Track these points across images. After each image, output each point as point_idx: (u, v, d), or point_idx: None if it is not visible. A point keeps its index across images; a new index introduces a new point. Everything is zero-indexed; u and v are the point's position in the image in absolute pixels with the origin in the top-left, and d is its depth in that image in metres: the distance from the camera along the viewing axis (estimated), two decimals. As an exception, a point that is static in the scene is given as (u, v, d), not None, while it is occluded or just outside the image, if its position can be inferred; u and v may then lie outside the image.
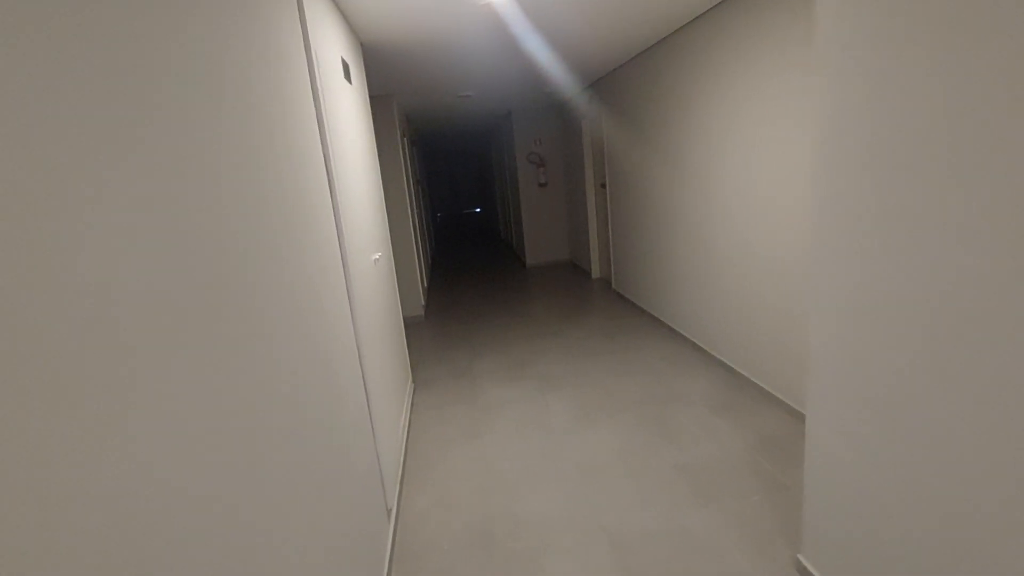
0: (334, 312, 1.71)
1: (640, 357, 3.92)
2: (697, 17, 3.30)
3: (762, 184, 2.91)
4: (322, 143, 1.83)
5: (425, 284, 6.37)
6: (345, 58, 2.49)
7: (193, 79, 0.88)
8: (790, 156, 2.65)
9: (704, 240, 3.62)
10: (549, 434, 2.95)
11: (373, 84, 4.43)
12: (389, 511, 2.25)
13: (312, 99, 1.78)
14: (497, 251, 9.84)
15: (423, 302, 5.58)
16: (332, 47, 2.21)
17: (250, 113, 1.13)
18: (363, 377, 2.05)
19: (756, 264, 3.06)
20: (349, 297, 1.96)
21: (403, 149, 5.56)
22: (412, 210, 5.72)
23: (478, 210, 19.25)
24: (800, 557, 1.84)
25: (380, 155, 5.00)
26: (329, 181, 1.86)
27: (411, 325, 5.32)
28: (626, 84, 4.64)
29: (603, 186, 5.95)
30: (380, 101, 4.96)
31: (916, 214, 1.21)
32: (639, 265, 4.94)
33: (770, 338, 3.02)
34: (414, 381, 3.83)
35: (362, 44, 3.17)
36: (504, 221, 10.49)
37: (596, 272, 6.66)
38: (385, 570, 1.97)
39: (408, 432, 3.08)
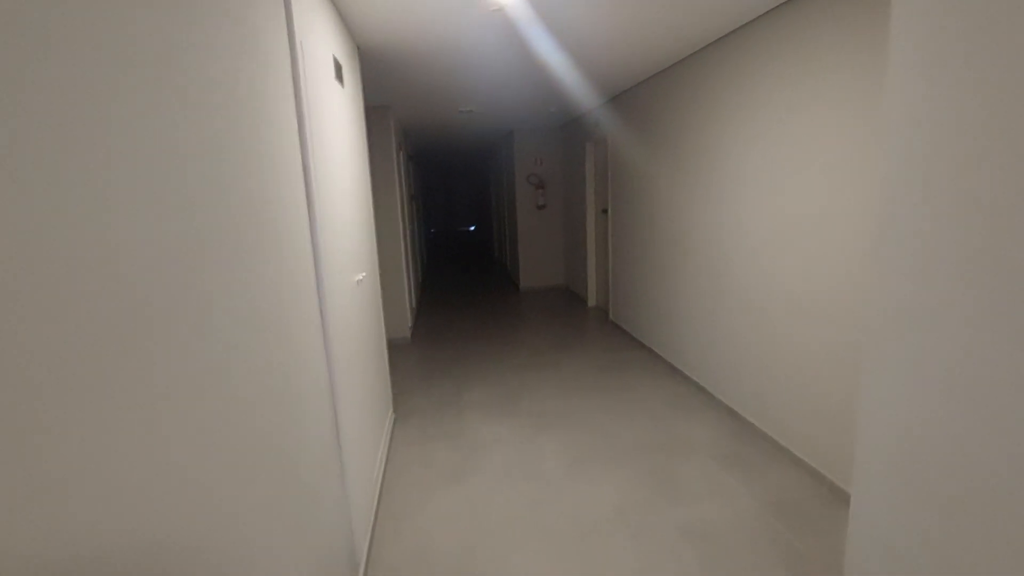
0: (304, 340, 1.45)
1: (639, 396, 3.65)
2: (725, 36, 3.13)
3: (793, 214, 2.70)
4: (302, 148, 1.58)
5: (414, 304, 6.10)
6: (338, 57, 2.27)
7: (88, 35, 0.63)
8: (830, 184, 2.45)
9: (717, 275, 3.40)
10: (541, 482, 2.66)
11: (370, 93, 4.22)
12: (357, 565, 1.95)
13: (293, 96, 1.53)
14: (490, 272, 9.60)
15: (410, 323, 5.30)
16: (322, 42, 1.98)
17: (197, 104, 0.88)
18: (335, 412, 1.77)
19: (777, 303, 2.83)
20: (323, 322, 1.69)
21: (399, 163, 5.34)
22: (404, 227, 5.48)
23: (473, 228, 19.06)
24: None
25: (373, 168, 4.77)
26: (308, 192, 1.61)
27: (396, 347, 5.03)
28: (638, 105, 4.47)
29: (605, 212, 5.75)
30: (377, 112, 4.74)
31: None
32: (640, 297, 4.71)
33: (787, 386, 2.78)
34: (395, 412, 3.53)
35: (359, 48, 2.95)
36: (499, 241, 10.28)
37: (592, 300, 6.43)
38: (345, 652, 1.67)
39: (384, 472, 2.78)
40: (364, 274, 2.46)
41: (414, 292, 6.34)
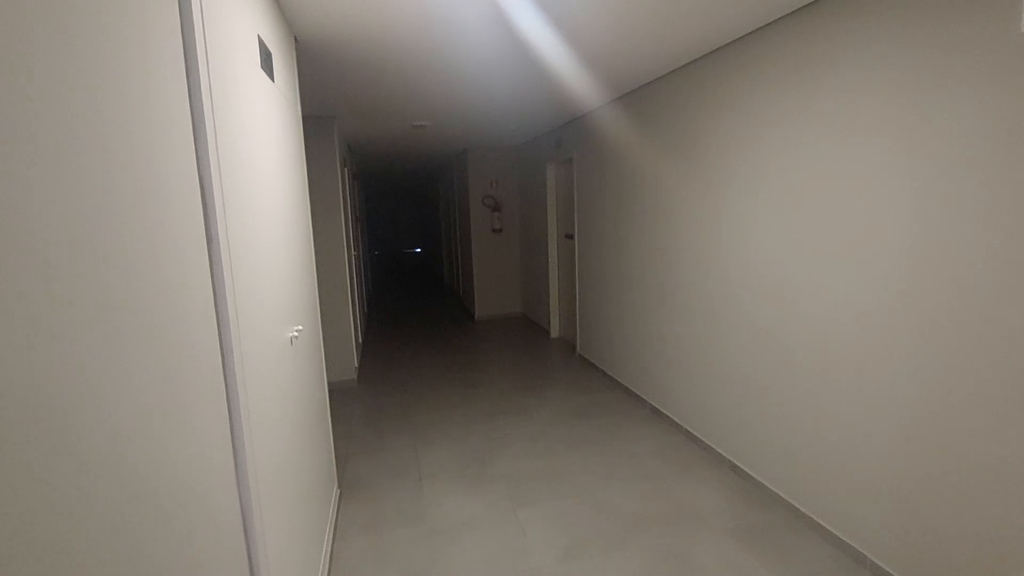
0: (202, 443, 0.87)
1: (627, 450, 3.19)
2: (722, 47, 2.79)
3: (817, 245, 2.33)
4: (199, 159, 1.02)
5: (360, 339, 5.43)
6: (266, 41, 1.70)
7: None
8: (866, 217, 2.09)
9: (714, 311, 3.01)
10: (530, 582, 2.12)
11: (311, 100, 3.63)
12: None
13: (185, 80, 0.98)
14: (441, 298, 9.01)
15: (356, 363, 4.64)
16: (242, 16, 1.42)
17: None
18: (247, 543, 1.18)
19: (800, 345, 2.45)
20: (232, 407, 1.11)
21: (343, 181, 4.73)
22: (349, 253, 4.84)
23: (419, 250, 18.38)
24: None
25: (314, 187, 4.15)
26: (209, 224, 1.04)
27: (341, 393, 4.36)
28: (612, 123, 4.10)
29: (570, 237, 5.35)
30: (319, 123, 4.14)
31: None
32: (614, 331, 4.29)
33: (813, 448, 2.38)
34: (340, 485, 2.89)
35: (297, 39, 2.38)
36: (449, 265, 9.72)
37: (556, 331, 5.98)
38: None
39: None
40: (301, 327, 1.87)
41: (360, 325, 5.67)
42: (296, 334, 1.78)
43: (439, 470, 3.03)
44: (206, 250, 1.03)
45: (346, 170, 5.04)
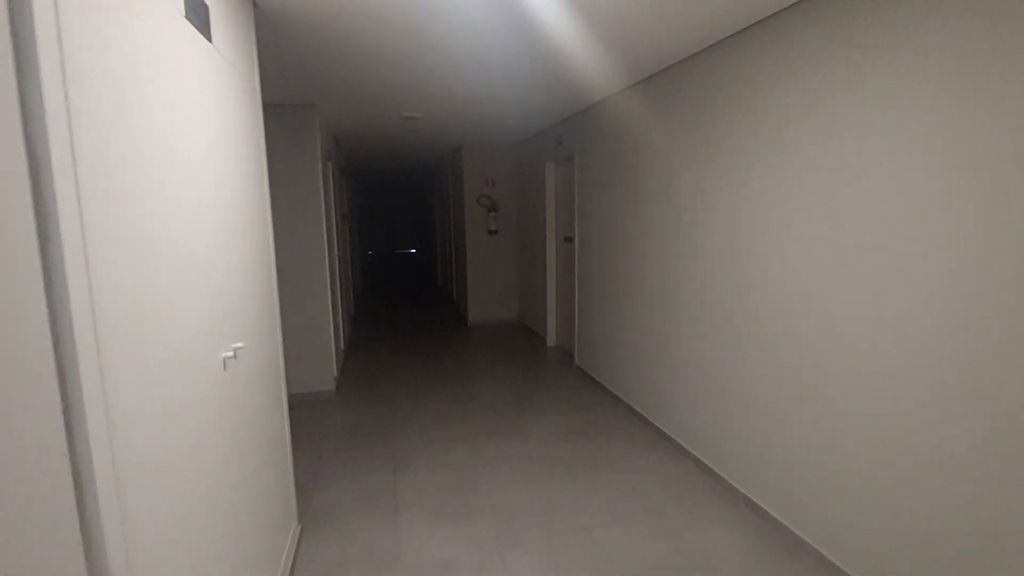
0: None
1: (629, 479, 2.86)
2: (750, 26, 2.46)
3: (854, 252, 2.00)
4: (28, 123, 0.68)
5: (343, 346, 5.08)
6: (198, -10, 1.37)
7: None
8: (914, 224, 1.76)
9: (732, 326, 2.68)
10: (517, 650, 1.78)
11: (288, 85, 3.29)
12: None
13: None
14: (434, 302, 8.66)
15: (336, 372, 4.30)
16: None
17: None
18: None
19: (829, 370, 2.12)
20: (80, 464, 0.78)
21: (327, 177, 4.39)
22: (333, 254, 4.50)
23: (413, 251, 18.03)
24: None
25: (293, 183, 3.81)
26: (42, 215, 0.71)
27: (316, 405, 4.01)
28: (619, 117, 3.77)
29: (569, 240, 5.02)
30: (298, 112, 3.81)
31: None
32: (615, 342, 3.96)
33: (842, 488, 2.05)
34: (302, 519, 2.54)
35: (255, 2, 2.05)
36: (443, 267, 9.38)
37: (552, 339, 5.65)
38: None
39: (277, 639, 1.81)
40: (241, 344, 1.53)
41: (343, 330, 5.33)
42: (233, 354, 1.44)
43: (419, 499, 2.69)
44: (36, 253, 0.70)
45: (331, 164, 4.70)
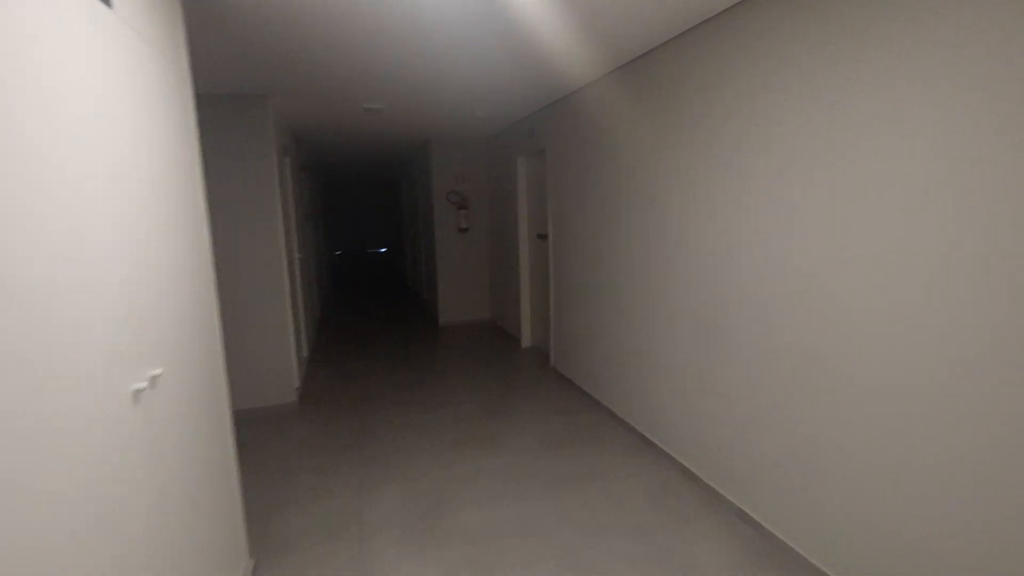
0: None
1: (613, 491, 2.69)
2: (726, 9, 2.30)
3: (848, 249, 1.86)
4: None
5: (306, 353, 4.79)
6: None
7: None
8: (924, 206, 1.62)
9: (715, 324, 2.53)
10: None
11: (233, 72, 3.00)
12: None
13: None
14: (404, 302, 8.38)
15: (297, 383, 4.02)
16: None
17: None
18: None
19: (821, 371, 1.98)
20: None
21: (284, 174, 4.10)
22: (293, 255, 4.22)
23: (384, 250, 17.62)
24: None
25: (245, 180, 3.52)
26: None
27: (274, 420, 3.73)
28: (593, 107, 3.59)
29: (543, 237, 4.84)
30: (247, 103, 3.51)
31: None
32: (594, 342, 3.79)
33: (840, 500, 1.91)
34: (255, 554, 2.29)
35: (182, -27, 1.78)
36: (413, 266, 9.10)
37: (527, 340, 5.46)
38: None
39: None
40: (160, 371, 1.28)
41: (307, 336, 5.03)
42: (147, 384, 1.19)
43: (386, 524, 2.46)
44: None
45: (288, 160, 4.40)
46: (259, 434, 3.49)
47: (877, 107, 1.68)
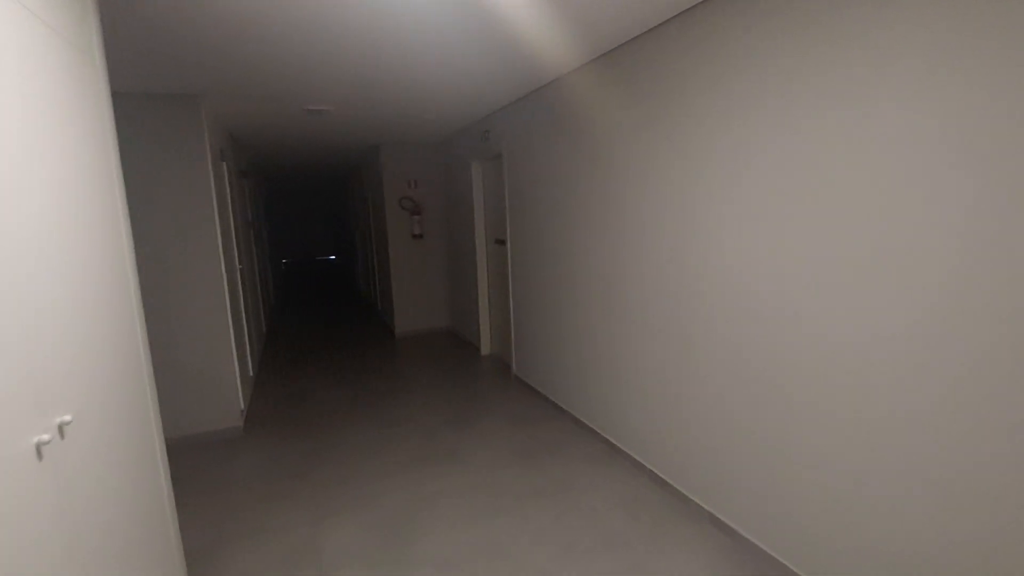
0: None
1: (584, 503, 2.60)
2: (694, 6, 2.26)
3: (824, 252, 1.84)
4: None
5: (252, 372, 4.49)
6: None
7: None
8: (896, 217, 1.60)
9: (684, 330, 2.48)
10: None
11: (159, 72, 2.74)
12: None
13: None
14: (357, 312, 8.08)
15: (243, 405, 3.74)
16: None
17: None
18: None
19: (796, 374, 1.95)
20: None
21: (222, 179, 3.82)
22: (233, 266, 3.93)
23: (333, 258, 17.08)
24: None
25: (175, 187, 3.24)
26: None
27: (218, 447, 3.45)
28: (552, 108, 3.51)
29: (501, 242, 4.73)
30: (176, 104, 3.23)
31: None
32: (557, 349, 3.71)
33: (818, 500, 1.89)
34: (199, 602, 2.06)
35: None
36: (366, 275, 8.80)
37: (487, 348, 5.33)
38: None
39: None
40: (69, 417, 1.08)
41: (253, 353, 4.72)
42: (51, 437, 0.99)
43: (348, 556, 2.28)
44: None
45: (225, 165, 4.11)
46: (202, 463, 3.21)
47: (865, 108, 1.66)
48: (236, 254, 4.17)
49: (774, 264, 1.96)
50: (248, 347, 4.35)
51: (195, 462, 3.22)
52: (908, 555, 1.61)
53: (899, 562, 1.64)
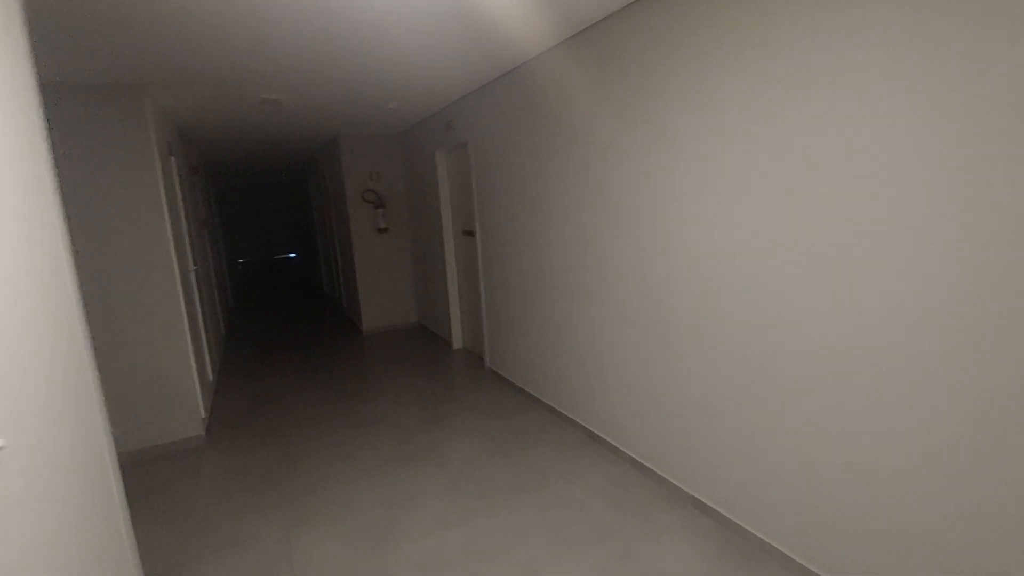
0: None
1: (567, 494, 2.56)
2: (649, -12, 2.20)
3: (802, 232, 1.82)
4: None
5: (211, 378, 4.27)
6: None
7: None
8: (869, 197, 1.59)
9: (661, 314, 2.46)
10: None
11: (98, 61, 2.52)
12: None
13: None
14: (322, 311, 7.84)
15: (204, 412, 3.55)
16: None
17: None
18: None
19: (783, 354, 1.94)
20: None
21: (171, 176, 3.60)
22: (186, 267, 3.72)
23: (294, 255, 16.59)
24: None
25: (117, 184, 3.02)
26: None
27: (179, 458, 3.26)
28: (518, 97, 3.42)
29: (470, 234, 4.63)
30: (117, 94, 3.00)
31: None
32: (531, 339, 3.65)
33: (802, 478, 1.89)
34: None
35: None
36: (329, 272, 8.55)
37: (459, 341, 5.24)
38: None
39: None
40: (2, 442, 0.95)
41: (213, 357, 4.50)
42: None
43: (323, 568, 2.17)
44: None
45: (174, 160, 3.87)
46: (162, 477, 3.02)
47: (827, 78, 1.64)
48: (190, 254, 3.94)
49: (756, 246, 1.94)
50: (207, 352, 4.14)
51: (155, 476, 3.03)
52: (899, 527, 1.62)
53: (890, 534, 1.65)
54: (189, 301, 3.61)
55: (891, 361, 1.56)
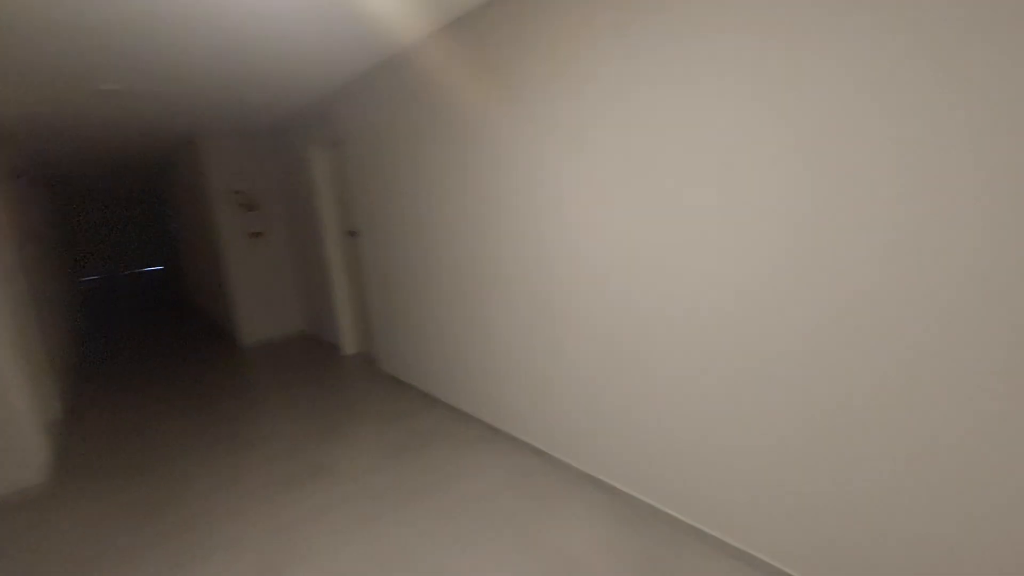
0: None
1: (472, 491, 2.54)
2: (516, -20, 2.22)
3: (672, 212, 1.93)
4: None
5: (56, 415, 3.69)
6: None
7: None
8: (740, 176, 1.73)
9: (540, 302, 2.51)
10: None
11: None
12: None
13: None
14: (193, 327, 7.10)
15: (46, 456, 3.05)
16: None
17: None
18: None
19: (653, 337, 2.05)
20: None
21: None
22: (14, 291, 3.17)
23: (162, 268, 14.91)
24: None
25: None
26: None
27: (15, 513, 2.78)
28: (393, 88, 3.31)
29: (353, 234, 4.43)
30: None
31: None
32: (425, 339, 3.58)
33: (686, 445, 2.03)
34: None
35: None
36: (197, 283, 7.77)
37: (350, 347, 5.00)
38: None
39: None
40: None
41: (57, 391, 3.88)
42: None
43: (206, 609, 1.95)
44: None
45: (-16, 163, 3.27)
46: (-7, 538, 2.55)
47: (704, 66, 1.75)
48: (18, 274, 3.36)
49: (627, 232, 2.04)
50: (46, 385, 3.56)
51: (-17, 538, 2.56)
52: (778, 492, 1.79)
53: (745, 483, 1.82)
54: (17, 328, 3.08)
55: (757, 338, 1.72)
